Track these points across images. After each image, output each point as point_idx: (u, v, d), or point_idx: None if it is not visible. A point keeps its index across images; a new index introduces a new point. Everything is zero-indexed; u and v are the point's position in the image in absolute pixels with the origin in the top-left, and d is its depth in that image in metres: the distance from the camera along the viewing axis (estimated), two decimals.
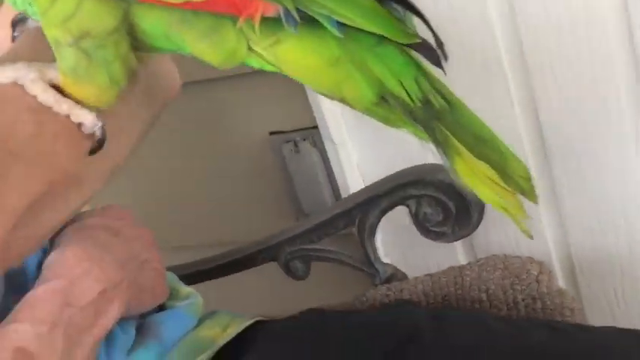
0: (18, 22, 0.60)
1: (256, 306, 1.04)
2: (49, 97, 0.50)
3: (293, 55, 0.49)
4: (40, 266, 0.65)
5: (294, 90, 1.36)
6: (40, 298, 0.58)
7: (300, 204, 1.47)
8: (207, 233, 1.52)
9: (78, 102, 0.50)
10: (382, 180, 1.07)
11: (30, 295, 0.60)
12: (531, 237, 0.56)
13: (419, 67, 0.52)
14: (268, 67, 0.51)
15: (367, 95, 0.52)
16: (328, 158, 1.39)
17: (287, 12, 0.45)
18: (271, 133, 1.44)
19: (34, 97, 0.49)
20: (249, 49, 0.49)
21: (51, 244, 0.67)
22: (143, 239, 0.77)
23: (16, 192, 0.47)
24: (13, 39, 0.61)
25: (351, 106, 0.54)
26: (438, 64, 0.50)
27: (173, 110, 0.74)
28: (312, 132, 1.40)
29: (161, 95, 0.65)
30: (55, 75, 0.50)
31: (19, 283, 0.65)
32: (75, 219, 0.70)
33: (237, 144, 1.45)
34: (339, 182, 1.41)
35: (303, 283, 1.05)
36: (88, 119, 0.50)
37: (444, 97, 0.52)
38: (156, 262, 0.78)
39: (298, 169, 1.44)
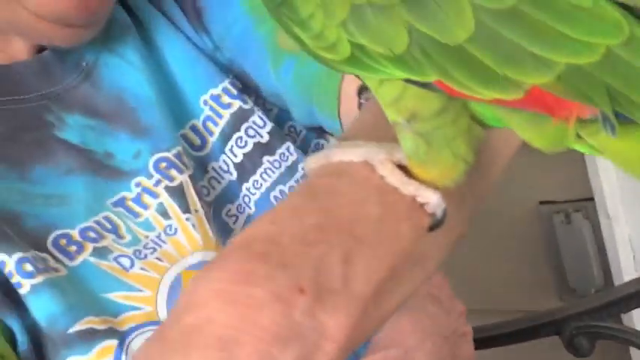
0: (363, 90, 0.63)
1: None
2: (396, 179, 0.49)
3: (614, 145, 0.46)
4: None
5: (568, 160, 1.34)
6: None
7: (566, 277, 1.43)
8: (470, 298, 1.52)
9: (423, 182, 0.49)
10: None
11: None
12: None
13: None
14: (594, 152, 0.48)
15: None
16: (601, 232, 1.35)
17: (605, 115, 0.43)
18: (541, 203, 1.42)
19: (382, 177, 0.49)
20: (577, 135, 0.46)
21: None
22: (458, 310, 0.74)
23: (362, 278, 0.46)
24: (360, 106, 0.63)
25: None
26: None
27: None
28: (585, 204, 1.36)
29: (505, 152, 0.59)
30: (402, 156, 0.49)
31: None
32: None
33: (505, 211, 1.45)
34: (610, 257, 1.36)
35: None
36: (433, 199, 0.49)
37: None
38: (470, 335, 0.74)
39: (567, 241, 1.40)
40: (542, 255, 1.45)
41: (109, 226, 0.68)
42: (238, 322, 0.43)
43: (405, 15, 0.45)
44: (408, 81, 0.47)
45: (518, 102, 0.44)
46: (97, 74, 0.73)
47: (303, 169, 0.59)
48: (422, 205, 0.49)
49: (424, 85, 0.47)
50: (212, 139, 0.75)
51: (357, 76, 0.57)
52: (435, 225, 0.49)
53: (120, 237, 0.67)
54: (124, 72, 0.74)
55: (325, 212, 0.48)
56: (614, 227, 1.33)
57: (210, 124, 0.75)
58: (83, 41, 0.70)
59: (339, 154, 0.51)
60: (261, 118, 0.77)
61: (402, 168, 0.49)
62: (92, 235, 0.66)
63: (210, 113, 0.75)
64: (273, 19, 0.49)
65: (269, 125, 0.76)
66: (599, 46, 0.42)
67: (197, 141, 0.75)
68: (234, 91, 0.77)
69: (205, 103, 0.75)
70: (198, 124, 0.75)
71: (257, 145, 0.76)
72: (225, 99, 0.76)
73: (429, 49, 0.45)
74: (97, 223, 0.67)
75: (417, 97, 0.47)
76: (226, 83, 0.77)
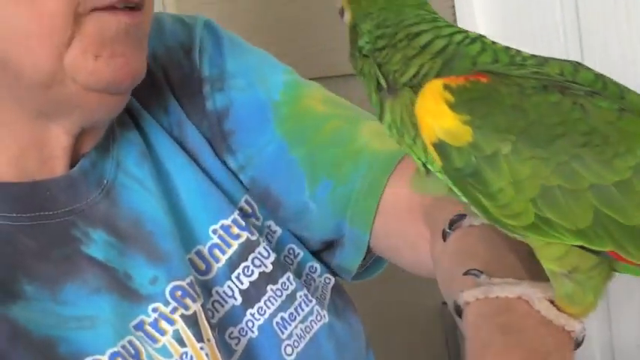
0: (456, 221, 0.73)
1: None
2: (551, 313, 0.60)
3: None
4: None
5: None
6: None
7: None
8: None
9: (568, 314, 0.60)
10: None
11: None
12: None
13: None
14: None
15: None
16: None
17: None
18: (444, 304, 1.48)
19: (538, 311, 0.60)
20: None
21: None
22: None
23: None
24: (445, 236, 0.73)
25: None
26: None
27: None
28: None
29: None
30: (552, 294, 0.60)
31: None
32: None
33: (409, 312, 1.50)
34: None
35: None
36: (578, 328, 0.60)
37: None
38: None
39: None
40: (445, 355, 1.50)
41: (132, 351, 0.72)
42: None
43: (592, 199, 0.56)
44: (580, 247, 0.58)
45: None
46: (115, 193, 0.78)
47: (456, 301, 0.64)
48: (569, 332, 0.60)
49: (596, 252, 0.58)
50: (217, 265, 0.81)
51: (459, 215, 0.71)
52: (577, 346, 0.61)
53: None
54: (140, 195, 0.78)
55: (523, 346, 0.58)
56: None
57: (216, 252, 0.81)
58: (121, 110, 0.75)
59: (497, 290, 0.61)
60: (266, 249, 0.84)
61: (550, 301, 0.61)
62: None
63: (218, 242, 0.81)
64: (454, 185, 0.58)
65: (272, 256, 0.84)
66: None
67: (202, 266, 0.81)
68: (243, 223, 0.83)
69: (215, 232, 0.82)
70: (204, 250, 0.81)
71: (262, 274, 0.82)
72: (235, 230, 0.82)
73: (610, 227, 0.56)
74: (123, 347, 0.71)
75: (580, 256, 0.59)
76: (235, 215, 0.83)
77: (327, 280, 0.89)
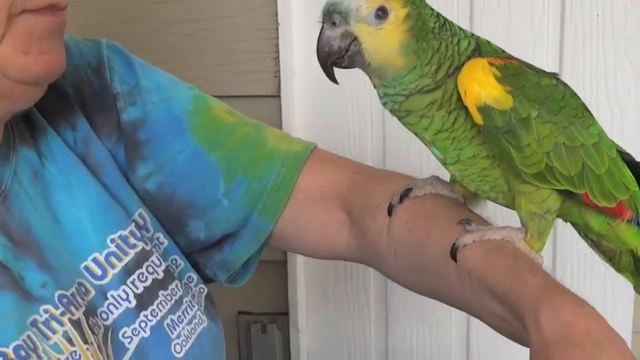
0: (404, 195, 0.90)
1: None
2: (526, 249, 0.80)
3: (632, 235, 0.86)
4: None
5: (269, 277, 1.55)
6: None
7: None
8: None
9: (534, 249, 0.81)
10: None
11: None
12: None
13: None
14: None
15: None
16: (289, 342, 1.57)
17: (636, 217, 0.84)
18: (240, 313, 1.61)
19: (517, 249, 0.79)
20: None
21: None
22: None
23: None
24: (391, 209, 0.90)
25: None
26: None
27: None
28: (279, 317, 1.58)
29: None
30: (524, 236, 0.80)
31: None
32: None
33: None
34: None
35: None
36: (541, 260, 0.80)
37: None
38: None
39: (261, 349, 1.60)
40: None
41: (32, 345, 0.76)
42: None
43: (582, 154, 0.79)
44: (561, 191, 0.80)
45: (611, 208, 0.82)
46: (11, 201, 0.83)
47: (455, 243, 0.79)
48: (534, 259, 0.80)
49: (571, 194, 0.80)
50: (113, 271, 0.88)
51: (406, 190, 0.91)
52: None
53: (39, 357, 0.76)
54: (31, 210, 0.83)
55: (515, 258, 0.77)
56: (300, 338, 1.56)
57: (113, 259, 0.88)
58: (38, 99, 0.82)
59: (489, 234, 0.80)
60: (158, 259, 0.93)
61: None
62: (23, 353, 0.74)
63: (115, 250, 0.89)
64: (491, 141, 0.76)
65: (164, 265, 0.93)
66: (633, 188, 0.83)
67: (98, 272, 0.87)
68: (139, 234, 0.91)
69: (112, 241, 0.89)
70: (101, 257, 0.87)
71: (155, 280, 0.91)
72: (132, 240, 0.90)
73: (589, 175, 0.79)
74: (24, 341, 0.75)
75: (554, 200, 0.80)
76: (132, 226, 0.91)
77: (202, 290, 1.00)
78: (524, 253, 0.79)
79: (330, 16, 0.74)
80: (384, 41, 0.74)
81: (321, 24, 0.76)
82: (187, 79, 1.46)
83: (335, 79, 0.77)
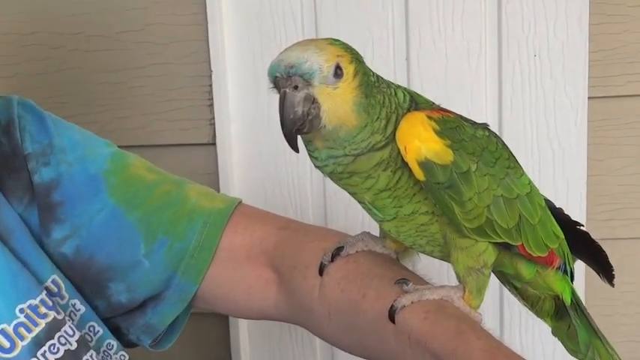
0: (336, 254, 0.87)
1: None
2: (466, 308, 0.77)
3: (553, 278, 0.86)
4: None
5: (211, 330, 1.50)
6: None
7: None
8: None
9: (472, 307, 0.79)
10: None
11: None
12: None
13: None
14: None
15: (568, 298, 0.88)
16: None
17: (564, 265, 0.85)
18: None
19: (457, 308, 0.77)
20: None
21: None
22: None
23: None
24: (323, 269, 0.87)
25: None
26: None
27: None
28: None
29: None
30: (462, 294, 0.78)
31: None
32: None
33: None
34: None
35: None
36: (479, 317, 0.78)
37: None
38: None
39: None
40: None
41: None
42: None
43: (518, 205, 0.78)
44: (497, 243, 0.79)
45: (543, 258, 0.82)
46: None
47: (393, 304, 0.77)
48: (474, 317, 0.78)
49: (508, 247, 0.79)
50: (22, 343, 0.83)
51: (337, 248, 0.87)
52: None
53: None
54: None
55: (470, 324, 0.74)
56: None
57: (22, 330, 0.83)
58: None
59: (427, 294, 0.77)
60: (71, 328, 0.87)
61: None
62: None
63: (24, 320, 0.84)
64: (433, 196, 0.74)
65: (77, 334, 0.87)
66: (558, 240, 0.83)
67: (7, 344, 0.82)
68: (50, 303, 0.86)
69: (22, 311, 0.84)
70: (9, 328, 0.82)
71: (67, 351, 0.86)
72: (42, 309, 0.85)
73: (525, 226, 0.79)
74: None
75: (490, 253, 0.79)
76: (43, 295, 0.86)
77: (123, 357, 0.95)
78: (465, 313, 0.77)
79: (291, 79, 0.69)
80: (340, 100, 0.71)
81: (275, 89, 0.71)
82: (122, 127, 1.44)
83: (297, 147, 0.72)
